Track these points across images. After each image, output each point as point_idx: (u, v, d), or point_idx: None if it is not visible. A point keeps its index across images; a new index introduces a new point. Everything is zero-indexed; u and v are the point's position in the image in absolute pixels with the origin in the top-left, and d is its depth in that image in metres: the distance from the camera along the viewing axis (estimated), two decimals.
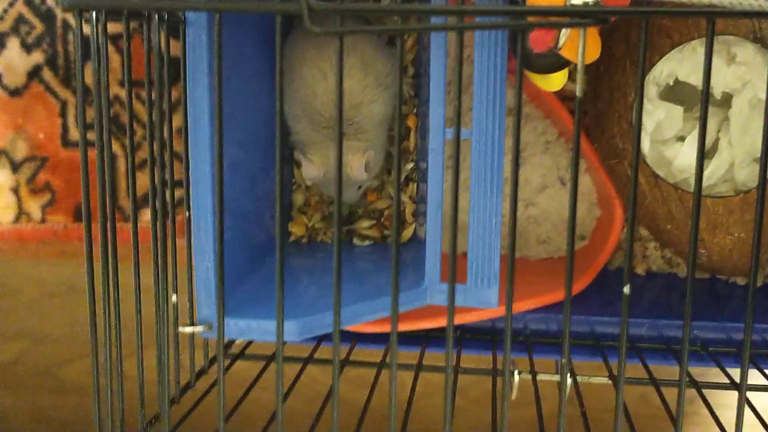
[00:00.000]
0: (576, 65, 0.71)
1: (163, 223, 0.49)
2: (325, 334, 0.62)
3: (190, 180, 0.49)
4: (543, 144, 0.73)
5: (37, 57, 0.76)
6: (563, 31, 0.40)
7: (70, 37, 0.75)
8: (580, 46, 0.35)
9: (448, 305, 0.38)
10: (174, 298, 0.48)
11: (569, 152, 0.73)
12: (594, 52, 0.42)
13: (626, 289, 0.37)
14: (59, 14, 0.76)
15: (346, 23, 0.51)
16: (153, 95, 0.45)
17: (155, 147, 0.45)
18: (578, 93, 0.35)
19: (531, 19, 0.35)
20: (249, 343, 0.62)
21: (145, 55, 0.40)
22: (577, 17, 0.34)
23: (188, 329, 0.50)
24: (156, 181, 0.45)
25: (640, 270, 0.73)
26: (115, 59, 0.75)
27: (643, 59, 0.35)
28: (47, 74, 0.76)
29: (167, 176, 0.46)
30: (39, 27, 0.75)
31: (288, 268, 0.62)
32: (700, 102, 0.35)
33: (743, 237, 0.59)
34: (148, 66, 0.41)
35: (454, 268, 0.38)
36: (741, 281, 0.71)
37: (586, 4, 0.34)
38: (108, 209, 0.43)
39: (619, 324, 0.66)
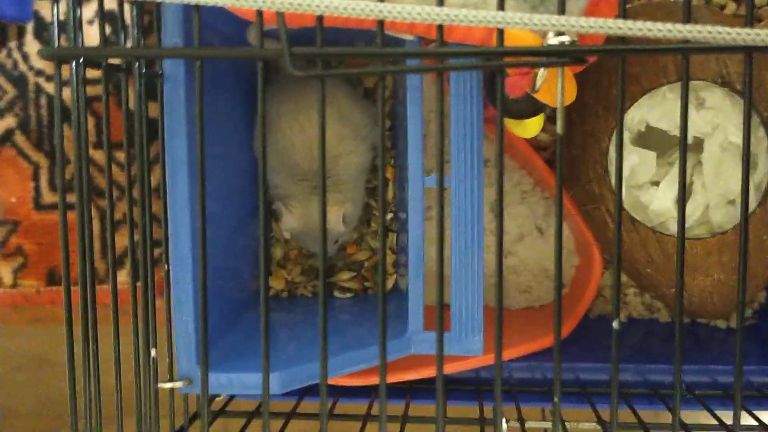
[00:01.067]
0: (552, 110, 0.72)
1: (145, 281, 0.48)
2: (307, 390, 0.61)
3: (169, 234, 0.49)
4: (519, 194, 0.73)
5: (9, 121, 0.75)
6: (540, 73, 0.40)
7: (42, 101, 0.75)
8: (559, 84, 0.35)
9: (436, 352, 0.37)
10: (153, 352, 0.47)
11: (545, 201, 0.73)
12: (570, 94, 0.42)
13: (615, 324, 0.37)
14: (31, 78, 0.76)
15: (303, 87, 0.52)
16: (132, 152, 0.45)
17: (145, 195, 0.45)
18: (559, 130, 0.35)
19: (508, 59, 0.35)
20: (230, 399, 0.61)
21: (123, 106, 0.39)
22: (554, 57, 0.35)
23: (168, 385, 0.49)
24: (137, 236, 0.44)
25: (621, 316, 0.73)
26: (89, 121, 0.75)
27: (621, 96, 0.35)
28: (19, 138, 0.76)
29: (140, 232, 0.46)
30: (11, 91, 0.75)
31: (270, 324, 0.61)
32: (679, 142, 0.36)
33: (722, 278, 0.59)
34: (126, 117, 0.40)
35: (442, 315, 0.38)
36: (722, 324, 0.71)
37: (562, 44, 0.34)
38: (88, 272, 0.42)
39: (603, 370, 0.66)
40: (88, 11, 0.74)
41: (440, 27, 0.35)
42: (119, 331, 0.46)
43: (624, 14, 0.36)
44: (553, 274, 0.74)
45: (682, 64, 0.35)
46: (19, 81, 0.76)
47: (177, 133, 0.47)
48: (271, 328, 0.61)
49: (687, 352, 0.68)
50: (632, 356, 0.67)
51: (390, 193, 0.67)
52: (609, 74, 0.60)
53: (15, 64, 0.76)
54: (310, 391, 0.61)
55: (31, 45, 0.76)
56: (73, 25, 0.34)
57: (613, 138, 0.60)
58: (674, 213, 0.61)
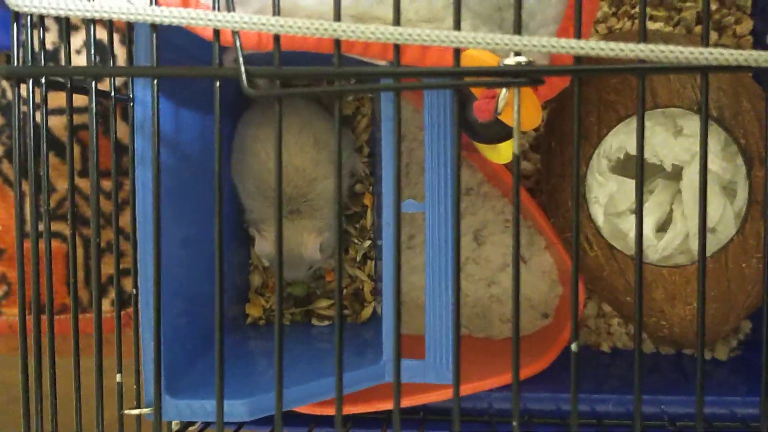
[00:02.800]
0: (535, 139, 0.72)
1: (118, 310, 0.48)
2: (283, 418, 0.60)
3: (138, 258, 0.48)
4: (502, 223, 0.73)
5: None
6: (501, 95, 0.40)
7: (29, 130, 0.76)
8: (515, 104, 0.35)
9: (393, 380, 0.37)
10: (118, 377, 0.47)
11: (528, 230, 0.73)
12: (534, 117, 0.42)
13: (574, 347, 0.36)
14: (21, 107, 0.76)
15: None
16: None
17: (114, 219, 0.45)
18: (515, 150, 0.35)
19: (467, 79, 0.35)
20: (205, 426, 0.60)
21: (91, 127, 0.39)
22: (510, 77, 0.35)
23: (135, 411, 0.48)
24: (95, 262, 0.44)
25: (605, 347, 0.73)
26: (76, 150, 0.75)
27: (578, 117, 0.35)
28: (5, 166, 0.76)
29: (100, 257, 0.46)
30: None
31: (244, 351, 0.61)
32: (635, 166, 0.36)
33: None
34: (95, 138, 0.40)
35: (399, 342, 0.37)
36: (706, 356, 0.70)
37: (519, 64, 0.34)
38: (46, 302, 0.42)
39: (586, 401, 0.66)
40: (77, 40, 0.74)
41: (396, 47, 0.35)
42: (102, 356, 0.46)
43: (579, 35, 0.36)
44: (536, 303, 0.73)
45: (639, 84, 0.35)
46: (6, 110, 0.76)
47: (147, 155, 0.47)
48: (248, 356, 0.60)
49: (671, 383, 0.67)
50: (616, 387, 0.66)
51: (368, 221, 0.67)
52: (586, 103, 0.60)
53: (3, 93, 0.77)
54: (287, 420, 0.60)
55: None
56: (28, 45, 0.34)
57: (591, 165, 0.60)
58: (654, 241, 0.60)
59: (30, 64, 0.35)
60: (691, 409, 0.64)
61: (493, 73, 0.35)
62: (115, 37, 0.68)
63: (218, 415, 0.36)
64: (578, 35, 0.34)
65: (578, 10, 0.34)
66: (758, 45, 0.70)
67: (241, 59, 0.34)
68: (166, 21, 0.33)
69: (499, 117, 0.43)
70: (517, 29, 0.35)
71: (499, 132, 0.48)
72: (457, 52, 0.35)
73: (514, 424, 0.36)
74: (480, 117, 0.46)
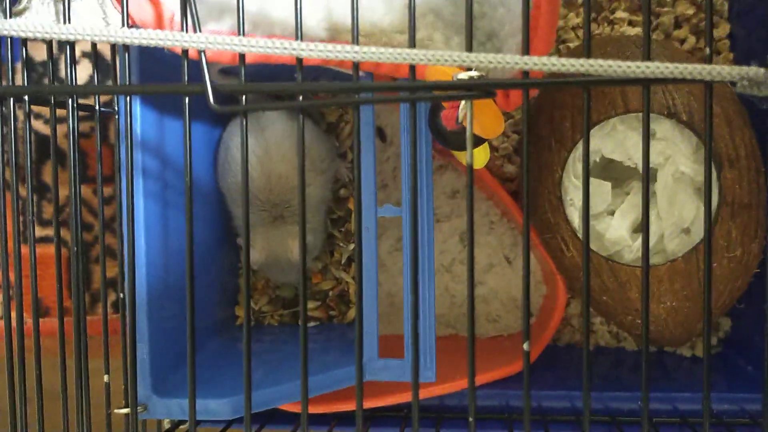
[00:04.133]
0: (518, 142, 0.74)
1: (105, 310, 0.50)
2: (269, 417, 0.62)
3: (124, 262, 0.51)
4: (487, 224, 0.75)
5: None
6: (461, 106, 0.42)
7: (31, 137, 0.78)
8: (468, 116, 0.37)
9: (356, 382, 0.39)
10: (106, 378, 0.49)
11: (513, 231, 0.75)
12: (495, 126, 0.44)
13: (525, 346, 0.38)
14: (20, 117, 0.79)
15: (258, 102, 0.54)
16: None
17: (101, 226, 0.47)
18: (468, 159, 0.37)
19: (422, 94, 0.37)
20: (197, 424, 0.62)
21: (69, 139, 0.42)
22: (463, 90, 0.37)
23: (123, 411, 0.50)
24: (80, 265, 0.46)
25: (589, 343, 0.74)
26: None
27: (526, 128, 0.37)
28: (6, 174, 0.79)
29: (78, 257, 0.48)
30: None
31: (233, 351, 0.63)
32: (582, 169, 0.37)
33: (675, 306, 0.60)
34: (75, 153, 0.43)
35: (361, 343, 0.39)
36: (686, 353, 0.72)
37: (471, 78, 0.36)
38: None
39: (568, 398, 0.67)
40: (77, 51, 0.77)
41: (355, 64, 0.37)
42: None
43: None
44: (521, 304, 0.75)
45: (584, 96, 0.36)
46: (7, 119, 0.79)
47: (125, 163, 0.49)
48: (237, 356, 0.62)
49: (653, 380, 0.68)
50: (599, 385, 0.68)
51: (353, 225, 0.69)
52: (561, 108, 0.62)
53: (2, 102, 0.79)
54: (273, 418, 0.62)
55: (19, 83, 0.79)
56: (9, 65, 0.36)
57: (566, 168, 0.62)
58: (629, 242, 0.62)
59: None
60: (669, 406, 0.66)
61: (447, 87, 0.37)
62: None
63: (190, 414, 0.38)
64: (526, 51, 0.36)
65: (525, 25, 0.36)
66: (735, 48, 0.71)
67: (207, 77, 0.36)
68: (136, 42, 0.35)
69: (464, 125, 0.45)
70: (469, 46, 0.37)
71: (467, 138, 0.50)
72: (413, 68, 0.37)
73: (470, 419, 0.38)
74: (447, 125, 0.48)
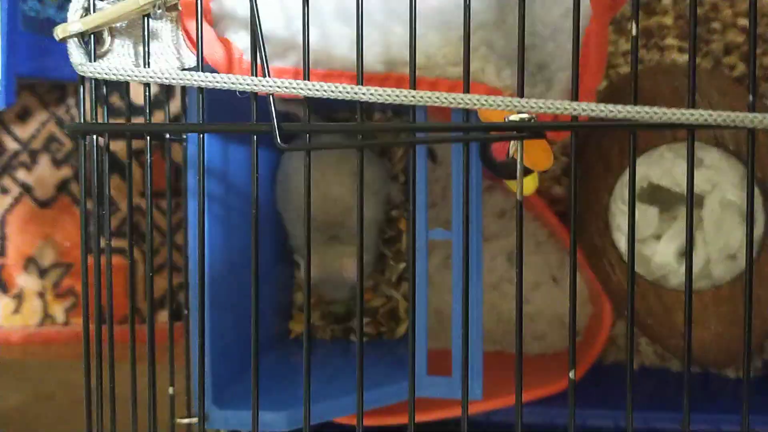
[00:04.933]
0: (566, 165, 0.75)
1: (171, 324, 0.53)
2: (322, 430, 0.65)
3: (189, 281, 0.54)
4: (534, 244, 0.77)
5: (66, 172, 0.83)
6: (512, 143, 0.44)
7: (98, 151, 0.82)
8: (519, 155, 0.39)
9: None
10: (171, 390, 0.52)
11: (559, 252, 0.76)
12: (544, 160, 0.46)
13: (571, 375, 0.40)
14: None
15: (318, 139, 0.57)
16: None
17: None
18: (518, 197, 0.39)
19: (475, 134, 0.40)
20: None
21: (147, 172, 0.45)
22: (515, 131, 0.39)
23: (185, 420, 0.53)
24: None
25: (634, 365, 0.75)
26: (137, 172, 0.81)
27: (574, 169, 0.39)
28: (75, 188, 0.83)
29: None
30: (67, 144, 0.82)
31: (288, 364, 0.66)
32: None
33: (720, 331, 0.61)
34: (150, 180, 0.46)
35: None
36: (731, 374, 0.73)
37: (522, 120, 0.38)
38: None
39: (612, 417, 0.69)
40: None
41: (413, 106, 0.40)
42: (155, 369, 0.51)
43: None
44: (567, 322, 0.77)
45: (629, 138, 0.38)
46: (89, 153, 0.83)
47: (196, 191, 0.52)
48: (291, 369, 0.65)
49: (696, 401, 0.69)
50: (642, 404, 0.69)
51: (404, 244, 0.71)
52: (610, 136, 0.63)
53: (72, 119, 0.83)
54: (328, 431, 0.65)
55: (87, 102, 0.83)
56: (94, 104, 0.40)
57: (614, 193, 0.63)
58: (675, 266, 0.63)
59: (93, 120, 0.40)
60: (713, 427, 0.67)
61: (499, 128, 0.39)
62: None
63: (253, 425, 0.41)
64: (576, 97, 0.38)
65: (575, 75, 0.37)
66: None
67: (275, 118, 0.39)
68: (210, 85, 0.38)
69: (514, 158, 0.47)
70: (521, 92, 0.39)
71: (516, 169, 0.52)
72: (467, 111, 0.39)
73: None
74: (498, 157, 0.50)
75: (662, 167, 0.63)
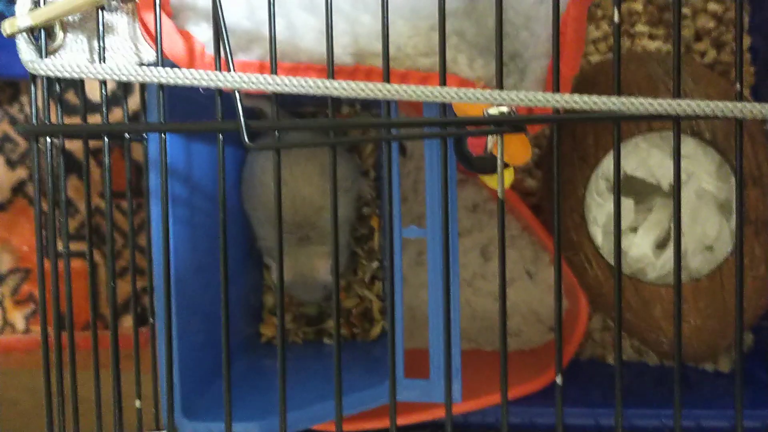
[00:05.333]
0: (538, 157, 0.74)
1: (136, 330, 0.50)
2: None
3: (153, 288, 0.51)
4: (508, 238, 0.75)
5: (21, 173, 0.79)
6: (489, 137, 0.42)
7: (53, 153, 0.79)
8: (498, 150, 0.37)
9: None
10: (138, 403, 0.49)
11: (533, 245, 0.75)
12: (522, 154, 0.44)
13: (558, 379, 0.38)
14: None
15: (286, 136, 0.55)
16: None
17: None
18: (500, 195, 0.37)
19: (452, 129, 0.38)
20: None
21: (105, 174, 0.42)
22: (494, 125, 0.37)
23: None
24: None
25: (611, 359, 0.74)
26: (96, 172, 0.78)
27: (558, 163, 0.37)
28: (31, 189, 0.80)
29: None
30: (22, 144, 0.79)
31: (258, 370, 0.64)
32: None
33: (699, 324, 0.60)
34: (109, 182, 0.43)
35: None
36: (709, 368, 0.72)
37: (501, 114, 0.36)
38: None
39: (592, 416, 0.67)
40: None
41: (387, 101, 0.38)
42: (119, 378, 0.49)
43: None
44: (543, 317, 0.75)
45: (613, 129, 0.37)
46: (42, 154, 0.80)
47: (158, 192, 0.50)
48: (261, 374, 0.63)
49: (674, 395, 0.68)
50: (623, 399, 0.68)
51: (376, 242, 0.69)
52: (584, 126, 0.62)
53: (26, 118, 0.80)
54: None
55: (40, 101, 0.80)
56: (45, 104, 0.37)
57: (589, 186, 0.62)
58: (652, 259, 0.62)
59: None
60: (693, 422, 0.66)
61: (478, 122, 0.37)
62: None
63: None
64: (556, 88, 0.37)
65: (556, 67, 0.36)
66: (756, 61, 0.71)
67: (241, 115, 0.36)
68: (171, 82, 0.36)
69: (492, 152, 0.45)
70: (500, 84, 0.37)
71: (492, 164, 0.50)
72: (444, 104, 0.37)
73: None
74: (474, 151, 0.48)
75: (637, 158, 0.62)
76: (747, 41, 0.71)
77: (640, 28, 0.73)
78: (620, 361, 0.39)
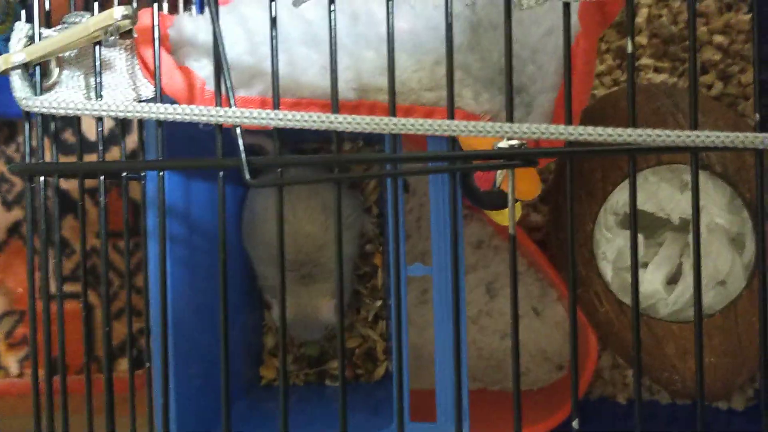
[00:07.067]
0: (545, 192, 0.73)
1: (131, 372, 0.49)
2: None
3: (151, 329, 0.49)
4: None
5: (17, 213, 0.78)
6: (498, 171, 0.41)
7: (49, 193, 0.78)
8: (510, 185, 0.36)
9: None
10: None
11: (540, 282, 0.73)
12: (532, 189, 0.43)
13: (575, 424, 0.37)
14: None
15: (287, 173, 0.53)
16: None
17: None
18: (510, 231, 0.36)
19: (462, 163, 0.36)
20: None
21: (101, 213, 0.41)
22: (505, 159, 0.36)
23: None
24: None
25: (621, 398, 0.72)
26: (92, 212, 0.77)
27: (571, 197, 0.36)
28: (26, 230, 0.78)
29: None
30: (18, 185, 0.77)
31: (259, 413, 0.62)
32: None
33: (713, 361, 0.59)
34: (105, 221, 0.42)
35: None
36: (722, 406, 0.70)
37: (512, 147, 0.35)
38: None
39: None
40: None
41: (394, 135, 0.37)
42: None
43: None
44: (550, 355, 0.74)
45: (629, 163, 0.35)
46: (36, 195, 0.79)
47: (156, 231, 0.49)
48: (263, 418, 0.61)
49: None
50: None
51: (379, 281, 0.68)
52: (591, 161, 0.61)
53: (23, 159, 0.79)
54: None
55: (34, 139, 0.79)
56: (39, 143, 0.36)
57: (598, 221, 0.60)
58: (664, 295, 0.61)
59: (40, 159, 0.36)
60: None
61: (489, 156, 0.36)
62: None
63: None
64: (569, 121, 0.35)
65: (567, 99, 0.35)
66: (764, 93, 0.70)
67: (242, 152, 0.35)
68: (170, 118, 0.35)
69: (501, 188, 0.44)
70: (510, 117, 0.36)
71: (499, 199, 0.49)
72: (453, 140, 0.36)
73: None
74: (481, 186, 0.47)
75: (647, 192, 0.60)
76: (751, 73, 0.71)
77: (646, 61, 0.72)
78: (639, 395, 0.37)
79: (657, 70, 0.71)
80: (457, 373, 0.36)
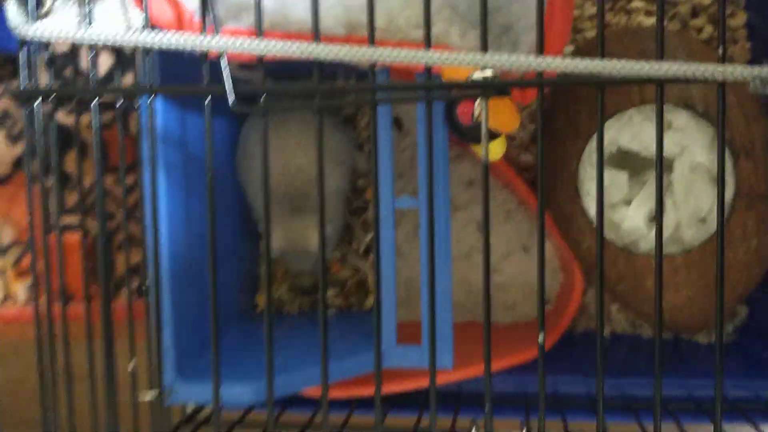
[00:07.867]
0: (528, 136, 0.74)
1: (130, 298, 0.51)
2: (291, 402, 0.64)
3: (147, 254, 0.52)
4: (504, 213, 0.75)
5: (22, 148, 0.80)
6: (477, 102, 0.43)
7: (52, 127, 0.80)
8: (483, 115, 0.38)
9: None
10: (131, 365, 0.50)
11: (530, 220, 0.75)
12: (511, 121, 0.45)
13: (540, 339, 0.39)
14: (41, 108, 0.80)
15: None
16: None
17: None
18: (483, 158, 0.38)
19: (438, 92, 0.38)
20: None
21: (94, 137, 0.43)
22: (479, 89, 0.37)
23: (149, 395, 0.52)
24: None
25: (605, 332, 0.75)
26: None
27: (541, 129, 0.37)
28: (34, 167, 0.80)
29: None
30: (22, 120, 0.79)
31: (254, 338, 0.64)
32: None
33: (691, 295, 0.61)
34: (99, 148, 0.44)
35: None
36: (703, 340, 0.72)
37: (485, 79, 0.37)
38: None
39: (585, 384, 0.68)
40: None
41: (372, 64, 0.38)
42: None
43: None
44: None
45: (597, 95, 0.37)
46: (34, 117, 0.80)
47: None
48: (258, 343, 0.64)
49: (669, 367, 0.69)
50: (614, 371, 0.68)
51: (371, 214, 0.70)
52: (577, 101, 0.62)
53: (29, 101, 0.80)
54: (294, 403, 0.63)
55: (42, 76, 0.80)
56: (33, 67, 0.38)
57: (582, 159, 0.62)
58: (645, 231, 0.63)
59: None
60: (685, 392, 0.66)
61: (463, 86, 0.38)
62: None
63: (214, 398, 0.40)
64: (540, 50, 0.37)
65: (539, 24, 0.36)
66: (752, 37, 0.71)
67: (228, 79, 0.37)
68: (157, 46, 0.36)
69: (479, 120, 0.46)
70: (484, 45, 0.37)
71: (480, 131, 0.50)
72: (429, 69, 0.38)
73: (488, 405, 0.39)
74: (463, 121, 0.49)
75: (631, 131, 0.62)
76: (743, 18, 0.71)
77: (637, 4, 0.72)
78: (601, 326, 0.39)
79: (648, 13, 0.72)
80: (431, 291, 0.38)
